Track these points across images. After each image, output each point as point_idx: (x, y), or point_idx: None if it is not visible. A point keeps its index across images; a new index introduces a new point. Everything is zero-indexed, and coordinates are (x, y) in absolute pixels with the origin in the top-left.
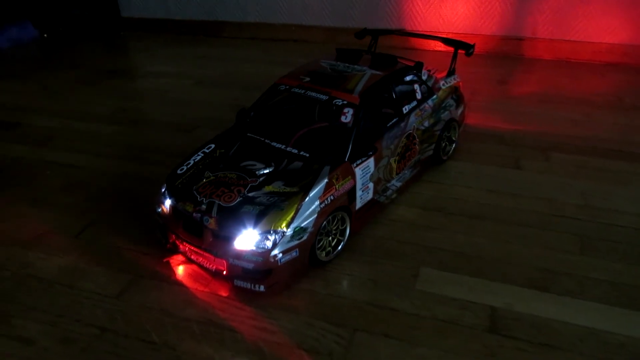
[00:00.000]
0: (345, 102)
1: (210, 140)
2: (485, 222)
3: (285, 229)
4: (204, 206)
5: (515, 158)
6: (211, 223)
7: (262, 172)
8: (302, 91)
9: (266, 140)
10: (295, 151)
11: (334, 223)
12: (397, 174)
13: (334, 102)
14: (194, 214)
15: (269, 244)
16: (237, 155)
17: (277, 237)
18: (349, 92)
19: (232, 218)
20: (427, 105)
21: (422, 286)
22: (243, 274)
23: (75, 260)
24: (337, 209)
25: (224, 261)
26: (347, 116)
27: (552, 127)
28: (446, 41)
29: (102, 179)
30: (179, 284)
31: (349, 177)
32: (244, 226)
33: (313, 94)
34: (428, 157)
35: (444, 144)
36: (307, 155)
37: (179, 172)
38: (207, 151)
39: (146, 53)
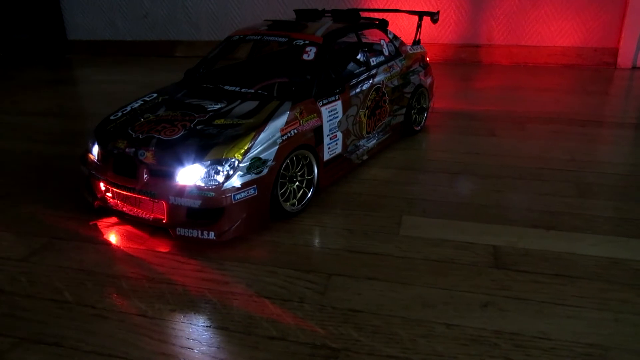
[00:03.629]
0: (307, 41)
1: (152, 91)
2: (469, 177)
3: (239, 158)
4: (139, 137)
5: (490, 129)
6: (147, 157)
7: (212, 108)
8: (258, 37)
9: (218, 86)
10: (251, 91)
11: (299, 168)
12: (367, 132)
13: (294, 42)
14: (127, 149)
15: (219, 177)
16: (184, 98)
17: (229, 168)
18: (311, 34)
19: (172, 150)
20: (395, 64)
21: (407, 232)
22: (187, 219)
23: None
24: (302, 147)
25: (164, 203)
26: (310, 54)
27: (523, 108)
28: (410, 12)
29: (27, 158)
30: (106, 244)
31: (315, 114)
32: (187, 158)
33: (271, 37)
34: (399, 123)
35: (414, 115)
36: (265, 94)
37: (111, 117)
38: (148, 99)
39: (91, 68)
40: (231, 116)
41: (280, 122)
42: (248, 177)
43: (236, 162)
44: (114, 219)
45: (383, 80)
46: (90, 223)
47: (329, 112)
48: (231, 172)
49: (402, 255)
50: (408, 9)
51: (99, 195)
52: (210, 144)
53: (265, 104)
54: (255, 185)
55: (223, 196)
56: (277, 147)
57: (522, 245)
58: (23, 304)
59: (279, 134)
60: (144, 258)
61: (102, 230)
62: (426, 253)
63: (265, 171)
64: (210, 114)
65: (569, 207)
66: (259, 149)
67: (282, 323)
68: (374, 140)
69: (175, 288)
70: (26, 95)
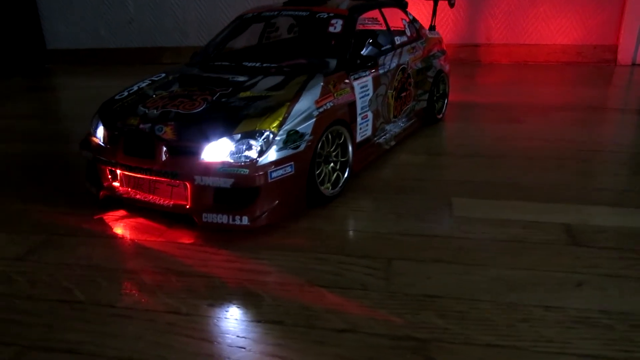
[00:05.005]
0: (331, 14)
1: (161, 72)
2: (509, 159)
3: (274, 131)
4: (154, 112)
5: (512, 117)
6: (166, 132)
7: (235, 79)
8: (275, 13)
9: (234, 64)
10: (275, 65)
11: (334, 146)
12: (394, 116)
13: (317, 15)
14: (141, 125)
15: (252, 152)
16: (199, 74)
17: (263, 141)
18: (334, 7)
19: (195, 124)
20: (417, 46)
21: (462, 213)
22: (215, 203)
23: None
24: (338, 122)
25: (187, 185)
26: (336, 26)
27: (537, 99)
28: None
29: (12, 158)
30: (116, 238)
31: (347, 88)
32: (214, 131)
33: (290, 12)
34: (422, 110)
35: (436, 100)
36: (289, 70)
37: (116, 97)
38: (157, 78)
39: (73, 76)
40: (257, 89)
41: (314, 94)
42: (285, 152)
43: (271, 135)
44: (122, 212)
45: (408, 61)
46: (95, 217)
47: (361, 87)
48: (265, 147)
49: (465, 236)
50: None
51: (105, 184)
52: (239, 116)
53: (292, 78)
54: (292, 163)
55: (258, 174)
56: (313, 119)
57: (594, 222)
58: (24, 307)
59: (314, 106)
60: (165, 250)
61: (109, 224)
62: (492, 233)
63: (302, 146)
64: (233, 86)
65: (630, 184)
66: (295, 121)
67: (348, 314)
68: (401, 125)
69: (210, 281)
70: (3, 102)
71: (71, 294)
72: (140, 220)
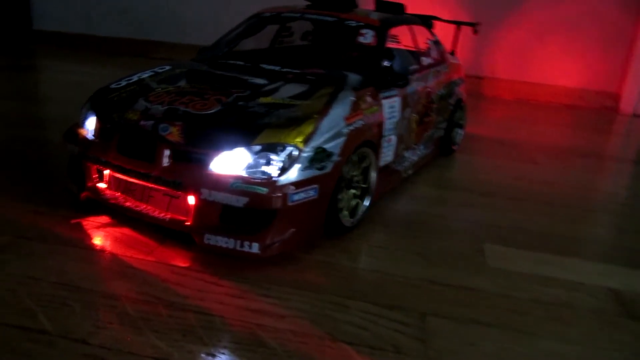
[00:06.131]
0: (361, 23)
1: (165, 64)
2: (529, 203)
3: (300, 146)
4: (159, 108)
5: (527, 156)
6: (172, 133)
7: (253, 82)
8: (297, 14)
9: (249, 64)
10: (297, 71)
11: (359, 169)
12: (414, 142)
13: (345, 22)
14: (142, 122)
15: (271, 169)
16: (211, 70)
17: (286, 157)
18: (365, 16)
19: (208, 127)
20: (441, 70)
21: (497, 263)
22: (221, 223)
23: None
24: (366, 143)
25: (192, 198)
26: (367, 37)
27: (548, 139)
28: (448, 21)
29: None
30: (96, 250)
31: (376, 107)
32: (229, 139)
33: (314, 16)
34: (439, 138)
35: (453, 130)
36: (314, 78)
37: (112, 86)
38: (160, 70)
39: (56, 59)
40: (279, 95)
41: (343, 108)
42: (309, 173)
43: (295, 151)
44: (105, 218)
45: (433, 85)
46: (72, 221)
47: (389, 107)
48: (288, 164)
49: (503, 293)
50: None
51: (88, 184)
52: (259, 125)
53: (318, 88)
54: (316, 185)
55: (276, 195)
56: (343, 138)
57: None
58: None
59: (343, 123)
60: (155, 273)
61: (88, 231)
62: (533, 292)
63: (329, 167)
64: (251, 89)
65: None
66: (323, 138)
67: None
68: (418, 154)
69: (209, 321)
70: None
71: (34, 319)
72: (126, 231)
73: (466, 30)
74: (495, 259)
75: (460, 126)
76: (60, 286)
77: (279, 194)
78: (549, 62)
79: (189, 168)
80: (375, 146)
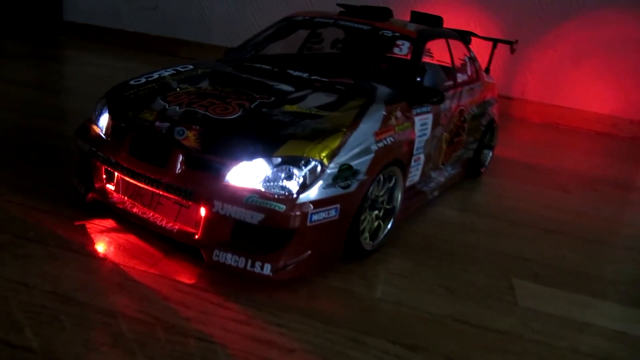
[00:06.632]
0: (397, 34)
1: (188, 63)
2: (563, 236)
3: (324, 162)
4: (176, 110)
5: (558, 184)
6: (188, 138)
7: (279, 88)
8: (330, 20)
9: (276, 69)
10: (326, 80)
11: (383, 188)
12: (442, 162)
13: (380, 32)
14: (157, 123)
15: (293, 184)
16: (235, 73)
17: (308, 172)
18: (401, 27)
19: (227, 134)
20: (475, 88)
21: (527, 303)
22: (233, 239)
23: None
24: (395, 162)
25: (203, 210)
26: (403, 49)
27: (580, 167)
28: (485, 37)
29: None
30: (97, 257)
31: (409, 123)
32: (248, 148)
33: (347, 23)
34: (467, 159)
35: (483, 151)
36: (343, 89)
37: (132, 82)
38: (182, 69)
39: (83, 51)
40: (305, 104)
41: (374, 123)
42: (332, 191)
43: (319, 166)
44: (110, 222)
45: (466, 103)
46: (76, 223)
47: (421, 124)
48: (310, 180)
49: (536, 339)
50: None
51: (96, 185)
52: (282, 135)
53: (347, 99)
54: (337, 205)
55: (295, 213)
56: (371, 155)
57: None
58: None
59: (372, 139)
60: (156, 289)
61: (92, 235)
62: (572, 341)
63: (353, 186)
64: (276, 95)
65: None
66: (350, 154)
67: None
68: (445, 175)
69: (211, 350)
70: (3, 64)
71: (20, 334)
72: (132, 238)
73: (498, 48)
74: (525, 297)
75: (490, 148)
76: (53, 296)
77: (298, 213)
78: (582, 87)
79: (202, 177)
80: (403, 165)
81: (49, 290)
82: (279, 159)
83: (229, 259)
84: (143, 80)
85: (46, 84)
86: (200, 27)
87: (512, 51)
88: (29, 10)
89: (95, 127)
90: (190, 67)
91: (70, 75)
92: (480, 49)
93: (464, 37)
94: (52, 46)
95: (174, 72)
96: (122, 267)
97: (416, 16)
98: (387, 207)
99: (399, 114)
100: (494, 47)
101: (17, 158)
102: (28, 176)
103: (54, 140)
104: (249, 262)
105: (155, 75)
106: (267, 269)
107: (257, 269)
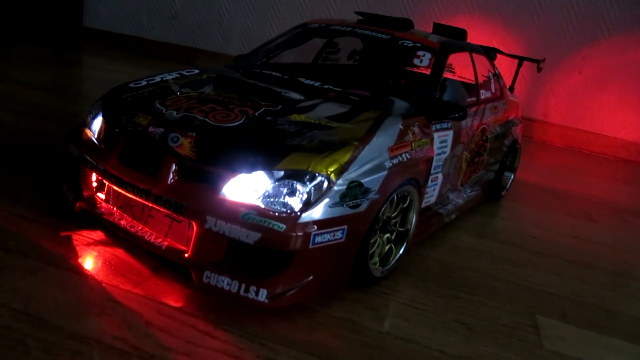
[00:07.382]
0: (418, 44)
1: (194, 68)
2: (592, 271)
3: (332, 177)
4: (173, 115)
5: (584, 212)
6: (183, 145)
7: (287, 96)
8: (346, 28)
9: (286, 76)
10: (338, 89)
11: (397, 209)
12: (461, 184)
13: (400, 42)
14: (151, 128)
15: (295, 201)
16: (241, 78)
17: (313, 189)
18: (423, 37)
19: (225, 143)
20: (499, 106)
21: (554, 346)
22: (225, 260)
23: None
24: (410, 181)
25: (193, 225)
26: (424, 60)
27: (607, 195)
28: (510, 55)
29: None
30: (79, 273)
31: (427, 140)
32: (247, 160)
33: (366, 32)
34: (488, 182)
35: (504, 173)
36: (357, 99)
37: (131, 85)
38: (187, 73)
39: (101, 57)
40: (315, 114)
41: (389, 137)
42: (339, 211)
43: (325, 182)
44: (99, 234)
45: (489, 122)
46: (62, 234)
47: (440, 141)
48: (314, 197)
49: None
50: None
51: (85, 194)
52: (286, 146)
53: (361, 110)
54: (345, 226)
55: (296, 233)
56: (385, 172)
57: None
58: None
59: (387, 155)
60: (139, 312)
61: (77, 248)
62: None
63: (363, 206)
64: (284, 104)
65: None
66: (361, 170)
67: None
68: (464, 197)
69: None
70: (18, 66)
71: None
72: (119, 253)
73: (521, 68)
74: (552, 338)
75: (512, 170)
76: (23, 317)
77: (300, 233)
78: (608, 112)
79: (196, 189)
80: (419, 185)
81: (18, 309)
82: (281, 173)
83: (221, 281)
84: (144, 82)
85: (57, 88)
86: (219, 36)
87: (539, 70)
88: (50, 16)
89: (88, 130)
90: (196, 71)
91: (85, 80)
92: (503, 68)
93: (489, 52)
94: (70, 51)
95: (177, 75)
96: (104, 285)
97: (439, 28)
98: (400, 229)
99: (416, 129)
100: (520, 64)
101: (10, 161)
102: (18, 181)
103: (52, 144)
104: (243, 286)
105: (158, 79)
106: (263, 295)
107: (252, 295)
